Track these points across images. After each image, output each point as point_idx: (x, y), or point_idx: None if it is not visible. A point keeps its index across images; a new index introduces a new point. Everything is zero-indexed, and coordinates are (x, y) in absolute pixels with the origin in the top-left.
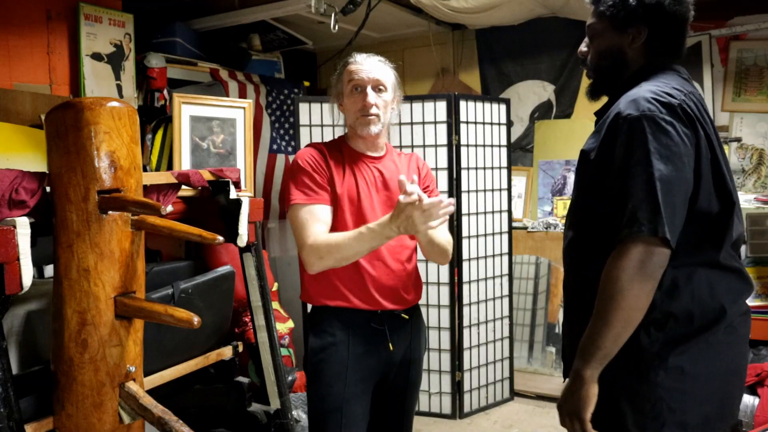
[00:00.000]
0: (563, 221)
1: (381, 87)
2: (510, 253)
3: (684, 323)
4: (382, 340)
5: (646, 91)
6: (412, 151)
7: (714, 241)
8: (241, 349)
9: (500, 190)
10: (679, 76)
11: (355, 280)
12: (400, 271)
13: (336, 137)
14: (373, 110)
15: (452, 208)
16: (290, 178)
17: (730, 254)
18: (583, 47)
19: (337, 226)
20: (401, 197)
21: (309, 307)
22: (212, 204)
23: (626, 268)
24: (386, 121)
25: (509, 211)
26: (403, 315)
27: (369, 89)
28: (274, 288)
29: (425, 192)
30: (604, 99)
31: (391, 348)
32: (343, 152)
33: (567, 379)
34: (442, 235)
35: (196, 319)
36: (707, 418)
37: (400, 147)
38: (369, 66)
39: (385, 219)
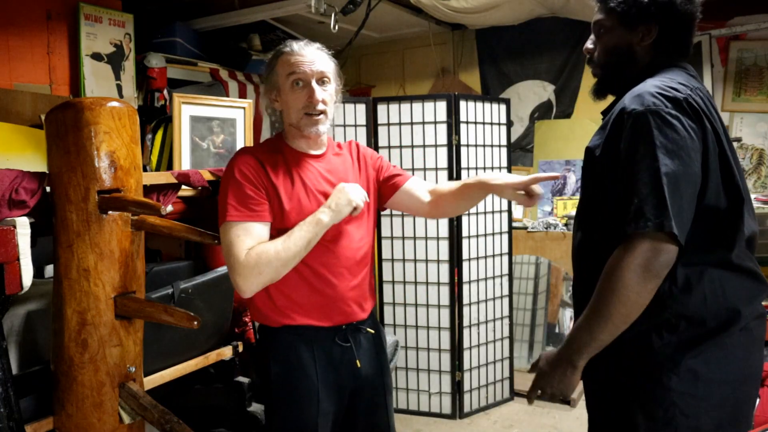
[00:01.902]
0: (563, 221)
1: (325, 79)
2: (510, 253)
3: (697, 325)
4: (348, 356)
5: (650, 86)
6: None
7: (725, 239)
8: (241, 349)
9: None
10: (685, 73)
11: (318, 294)
12: (361, 279)
13: (269, 138)
14: (320, 107)
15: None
16: (224, 189)
17: (744, 253)
18: (589, 44)
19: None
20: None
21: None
22: (212, 204)
23: (631, 265)
24: (332, 117)
25: (509, 211)
26: (368, 329)
27: (314, 83)
28: None
29: (382, 171)
30: (609, 99)
31: (359, 365)
32: (284, 153)
33: (550, 358)
34: (451, 183)
35: (196, 320)
36: (720, 424)
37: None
38: (310, 56)
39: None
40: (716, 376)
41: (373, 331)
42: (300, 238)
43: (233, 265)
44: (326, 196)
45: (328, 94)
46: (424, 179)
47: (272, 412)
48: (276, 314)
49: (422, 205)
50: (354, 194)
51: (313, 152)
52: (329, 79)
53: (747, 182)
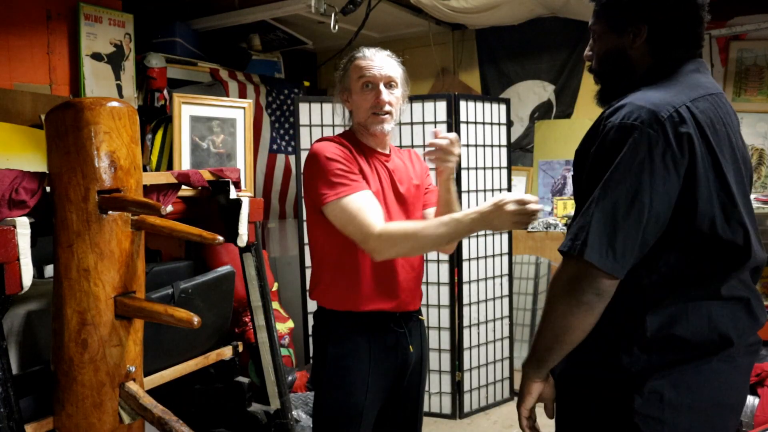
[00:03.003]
0: (563, 221)
1: (393, 83)
2: (510, 253)
3: (676, 348)
4: (401, 342)
5: (639, 97)
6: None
7: (723, 271)
8: (241, 349)
9: (500, 190)
10: (696, 73)
11: (380, 283)
12: (418, 271)
13: (341, 133)
14: (387, 108)
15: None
16: (319, 172)
17: (741, 282)
18: (587, 51)
19: None
20: (500, 197)
21: (314, 306)
22: (212, 204)
23: (557, 284)
24: (398, 119)
25: None
26: (419, 317)
27: (382, 86)
28: (274, 288)
29: (425, 186)
30: None
31: (411, 350)
32: (359, 147)
33: None
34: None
35: (196, 319)
36: None
37: (400, 147)
38: (380, 62)
39: (473, 212)
40: (685, 401)
41: (423, 318)
42: (446, 233)
43: (368, 234)
44: (392, 190)
45: (394, 97)
46: None
47: (322, 393)
48: (338, 299)
49: None
50: (519, 216)
51: (380, 150)
52: (396, 83)
53: None
